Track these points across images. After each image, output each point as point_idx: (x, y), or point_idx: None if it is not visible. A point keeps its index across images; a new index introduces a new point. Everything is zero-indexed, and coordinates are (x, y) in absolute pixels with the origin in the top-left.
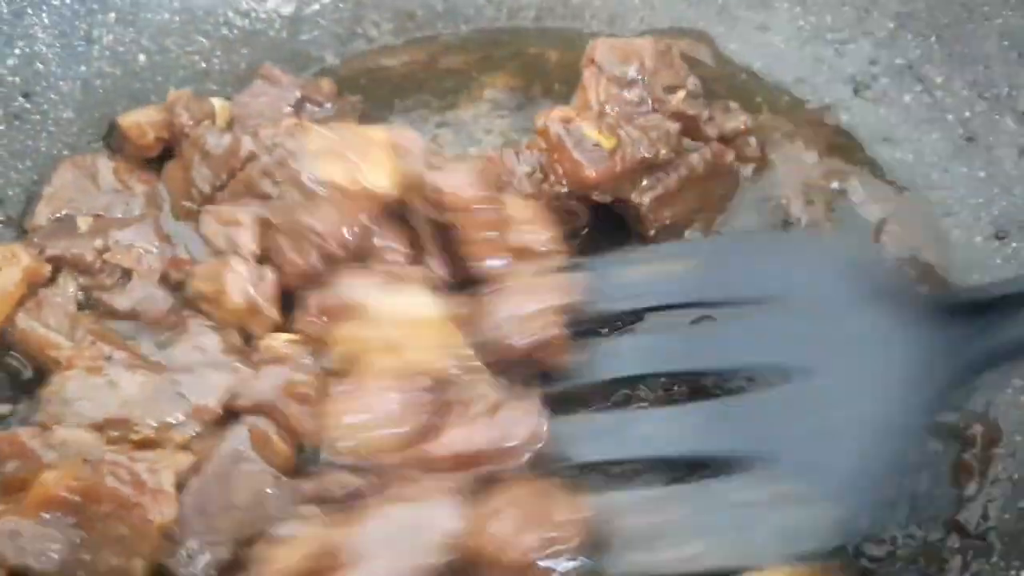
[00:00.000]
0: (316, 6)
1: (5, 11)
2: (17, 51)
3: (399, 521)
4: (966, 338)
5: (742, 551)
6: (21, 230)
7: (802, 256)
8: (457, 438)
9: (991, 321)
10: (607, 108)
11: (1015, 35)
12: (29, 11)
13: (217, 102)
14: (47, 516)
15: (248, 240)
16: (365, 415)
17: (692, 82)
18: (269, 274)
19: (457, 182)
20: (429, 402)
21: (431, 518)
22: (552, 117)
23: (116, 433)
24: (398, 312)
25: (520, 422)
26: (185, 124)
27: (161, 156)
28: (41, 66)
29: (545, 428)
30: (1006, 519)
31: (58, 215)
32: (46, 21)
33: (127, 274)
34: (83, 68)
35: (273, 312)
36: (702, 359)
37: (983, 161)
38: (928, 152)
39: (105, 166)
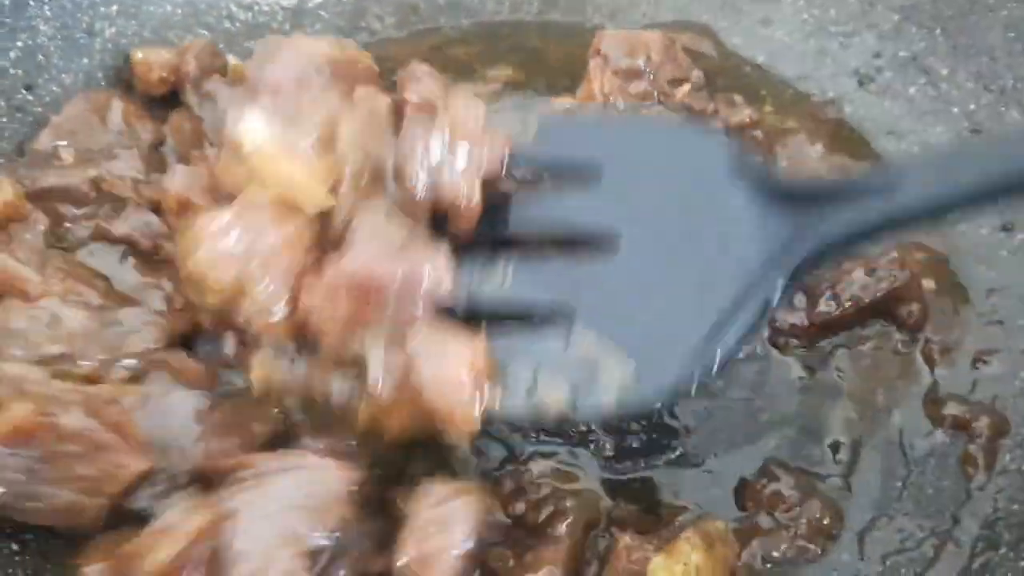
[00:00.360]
0: None
1: (7, 3)
2: (19, 44)
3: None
4: (799, 226)
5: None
6: (20, 151)
7: (654, 134)
8: (360, 257)
9: (826, 213)
10: (611, 100)
11: (1020, 27)
12: (31, 4)
13: (232, 59)
14: (8, 447)
15: None
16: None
17: (696, 75)
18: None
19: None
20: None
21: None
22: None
23: (60, 368)
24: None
25: (429, 262)
26: (192, 72)
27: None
28: (43, 59)
29: (451, 274)
30: (1015, 510)
31: (60, 144)
32: (48, 14)
33: (121, 203)
34: (85, 61)
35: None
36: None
37: None
38: (933, 145)
39: (117, 106)
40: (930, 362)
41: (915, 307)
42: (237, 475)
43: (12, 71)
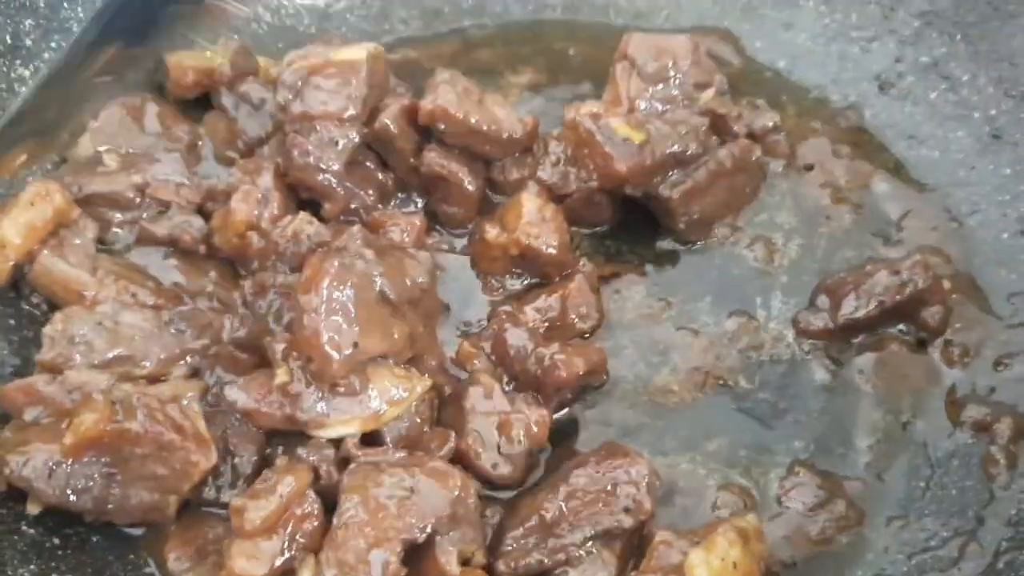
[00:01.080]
0: (344, 2)
1: (41, 5)
2: (53, 44)
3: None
4: None
5: None
6: (62, 159)
7: None
8: None
9: None
10: (637, 103)
11: None
12: (65, 5)
13: (263, 60)
14: (83, 456)
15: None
16: None
17: (720, 80)
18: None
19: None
20: None
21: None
22: (581, 112)
23: (122, 370)
24: None
25: None
26: (226, 74)
27: (202, 106)
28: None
29: None
30: None
31: (102, 148)
32: (81, 15)
33: (165, 206)
34: None
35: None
36: None
37: (1009, 158)
38: (954, 149)
39: (151, 110)
40: (951, 364)
41: (938, 309)
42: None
43: (46, 71)
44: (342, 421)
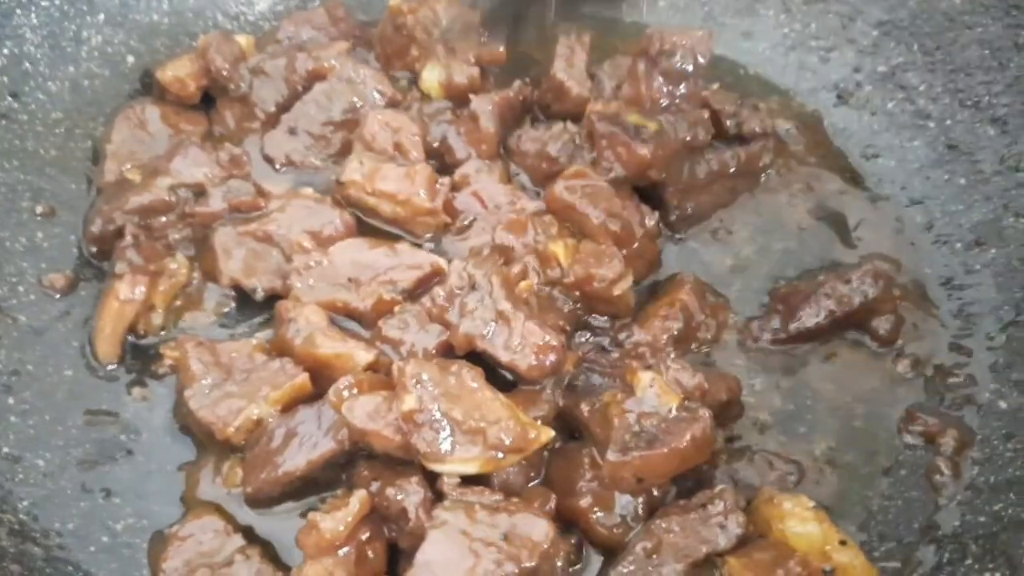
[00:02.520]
0: (305, 9)
1: None
2: (5, 51)
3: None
4: None
5: None
6: (96, 189)
7: None
8: None
9: None
10: (657, 99)
11: (995, 44)
12: (18, 12)
13: (242, 39)
14: None
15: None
16: None
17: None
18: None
19: None
20: None
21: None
22: (597, 108)
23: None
24: None
25: None
26: (221, 67)
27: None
28: (29, 66)
29: None
30: (981, 522)
31: (125, 168)
32: (35, 21)
33: (201, 189)
34: (72, 69)
35: (442, 217)
36: None
37: (964, 169)
38: (911, 159)
39: (153, 114)
40: (902, 373)
41: (888, 319)
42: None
43: None
44: (463, 460)
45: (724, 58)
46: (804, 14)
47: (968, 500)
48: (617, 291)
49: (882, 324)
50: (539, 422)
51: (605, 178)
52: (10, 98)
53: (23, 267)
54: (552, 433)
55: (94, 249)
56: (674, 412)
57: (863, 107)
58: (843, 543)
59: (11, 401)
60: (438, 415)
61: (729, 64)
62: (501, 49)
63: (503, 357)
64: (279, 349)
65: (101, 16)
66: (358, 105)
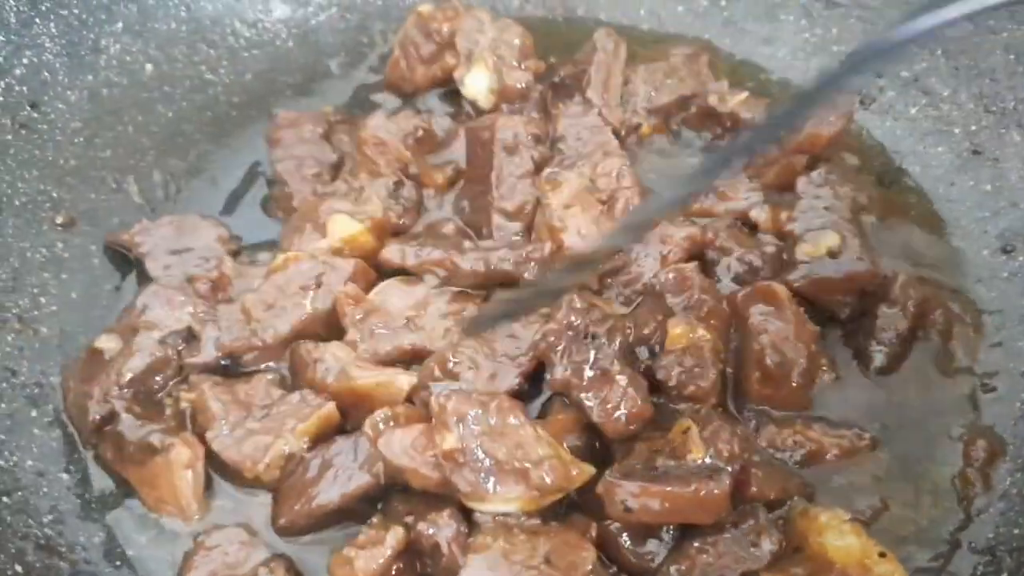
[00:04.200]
0: (323, 16)
1: (13, 20)
2: (25, 61)
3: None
4: None
5: None
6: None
7: None
8: None
9: None
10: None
11: (1021, 48)
12: (37, 21)
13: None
14: None
15: None
16: None
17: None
18: None
19: None
20: None
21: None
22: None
23: None
24: None
25: None
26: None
27: None
28: (48, 76)
29: None
30: (1016, 534)
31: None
32: (54, 31)
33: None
34: (90, 78)
35: None
36: None
37: (989, 174)
38: (935, 165)
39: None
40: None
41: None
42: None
43: (17, 88)
44: (506, 499)
45: (746, 63)
46: (825, 19)
47: (1002, 511)
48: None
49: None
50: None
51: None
52: (29, 108)
53: (44, 278)
54: (593, 471)
55: (93, 441)
56: (698, 463)
57: (886, 113)
58: (882, 555)
59: (34, 414)
60: (480, 454)
61: (751, 69)
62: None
63: (595, 416)
64: (309, 388)
65: (119, 25)
66: None
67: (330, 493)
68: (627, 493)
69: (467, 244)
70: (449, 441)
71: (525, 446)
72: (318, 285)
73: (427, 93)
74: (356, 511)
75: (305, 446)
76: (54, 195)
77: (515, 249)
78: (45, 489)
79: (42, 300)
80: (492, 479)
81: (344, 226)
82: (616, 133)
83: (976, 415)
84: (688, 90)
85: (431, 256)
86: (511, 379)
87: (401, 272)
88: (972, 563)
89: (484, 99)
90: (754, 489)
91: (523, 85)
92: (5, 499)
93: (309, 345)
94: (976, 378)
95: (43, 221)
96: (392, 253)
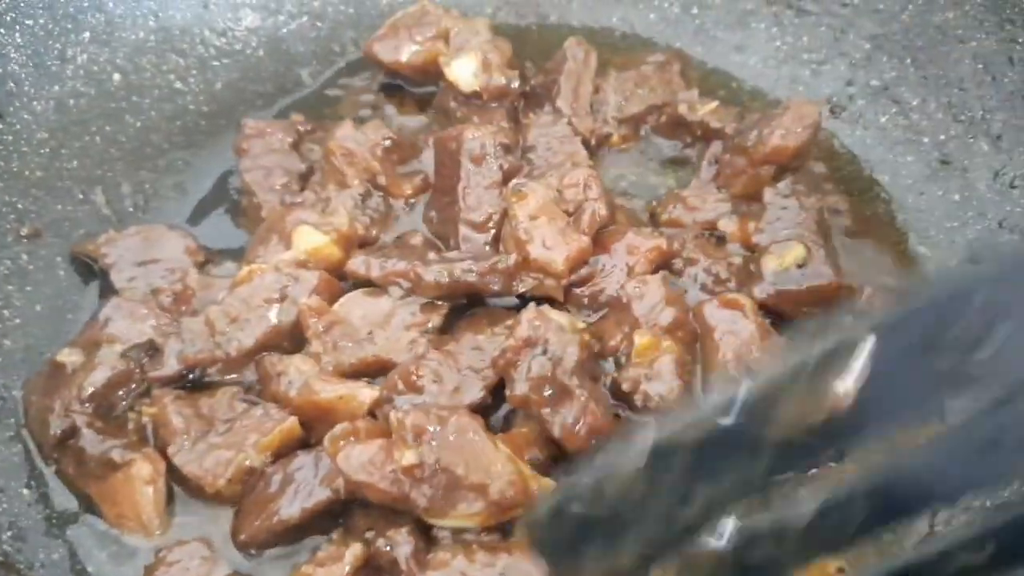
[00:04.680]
0: (293, 25)
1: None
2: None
3: None
4: None
5: None
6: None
7: None
8: None
9: None
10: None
11: (989, 58)
12: (1, 31)
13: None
14: None
15: None
16: None
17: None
18: None
19: None
20: None
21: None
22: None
23: None
24: None
25: None
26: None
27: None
28: (14, 86)
29: None
30: None
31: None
32: (19, 40)
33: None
34: (57, 88)
35: None
36: None
37: (958, 184)
38: (904, 174)
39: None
40: None
41: None
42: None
43: None
44: (465, 516)
45: (717, 71)
46: (796, 27)
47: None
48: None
49: None
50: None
51: None
52: None
53: (8, 290)
54: (553, 484)
55: (55, 456)
56: None
57: (856, 122)
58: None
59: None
60: (439, 470)
61: (722, 77)
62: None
63: (555, 431)
64: (273, 402)
65: (86, 35)
66: None
67: (291, 508)
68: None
69: (431, 255)
70: (408, 457)
71: (484, 461)
72: (282, 298)
73: (396, 78)
74: (318, 526)
75: (267, 461)
76: (19, 206)
77: (480, 260)
78: (5, 505)
79: (5, 313)
80: (451, 495)
81: (309, 238)
82: (586, 143)
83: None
84: (659, 99)
85: (395, 268)
86: (475, 392)
87: (367, 284)
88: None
89: (467, 83)
90: None
91: (505, 82)
92: None
93: (273, 358)
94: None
95: (8, 233)
96: (357, 265)
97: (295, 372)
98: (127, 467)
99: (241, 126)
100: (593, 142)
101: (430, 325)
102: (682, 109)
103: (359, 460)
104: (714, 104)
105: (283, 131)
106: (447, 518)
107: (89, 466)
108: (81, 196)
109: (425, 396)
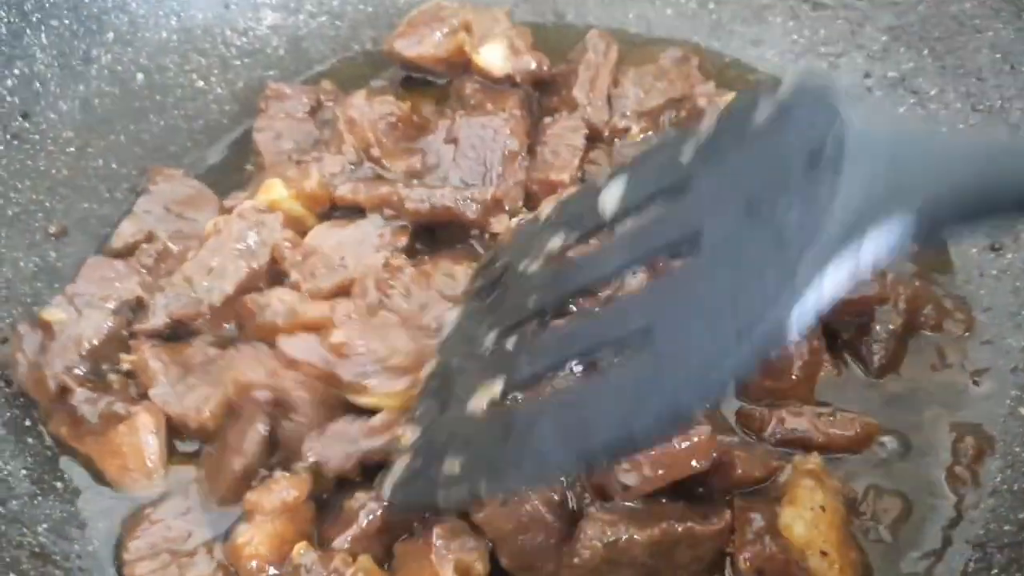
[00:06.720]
0: (314, 23)
1: (3, 32)
2: (16, 71)
3: None
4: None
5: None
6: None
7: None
8: None
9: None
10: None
11: (1007, 47)
12: (28, 32)
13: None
14: None
15: None
16: None
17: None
18: None
19: None
20: None
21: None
22: None
23: None
24: None
25: None
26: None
27: None
28: (40, 86)
29: None
30: (1006, 531)
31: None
32: (44, 41)
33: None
34: (82, 88)
35: None
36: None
37: None
38: None
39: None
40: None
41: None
42: None
43: (9, 98)
44: (386, 394)
45: (735, 64)
46: (813, 20)
47: (992, 508)
48: None
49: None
50: None
51: None
52: (21, 118)
53: (38, 287)
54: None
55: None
56: None
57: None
58: (824, 554)
59: (28, 423)
60: (363, 350)
61: (740, 70)
62: None
63: None
64: (259, 338)
65: (110, 35)
66: None
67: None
68: (620, 472)
69: (414, 181)
70: (336, 336)
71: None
72: (253, 241)
73: (418, 72)
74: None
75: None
76: (47, 205)
77: (459, 190)
78: (39, 498)
79: (35, 310)
80: (375, 374)
81: (273, 191)
82: (597, 135)
83: (965, 412)
84: (677, 92)
85: (379, 191)
86: (439, 311)
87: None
88: (964, 559)
89: (499, 68)
90: (740, 471)
91: (536, 65)
92: (0, 509)
93: (254, 295)
94: (966, 375)
95: (36, 231)
96: (345, 190)
97: (278, 302)
98: (131, 419)
99: (264, 88)
100: (606, 134)
101: (398, 245)
102: (701, 102)
103: (299, 345)
104: (731, 96)
105: (306, 96)
106: (367, 396)
107: (85, 424)
108: (107, 194)
109: (391, 304)
